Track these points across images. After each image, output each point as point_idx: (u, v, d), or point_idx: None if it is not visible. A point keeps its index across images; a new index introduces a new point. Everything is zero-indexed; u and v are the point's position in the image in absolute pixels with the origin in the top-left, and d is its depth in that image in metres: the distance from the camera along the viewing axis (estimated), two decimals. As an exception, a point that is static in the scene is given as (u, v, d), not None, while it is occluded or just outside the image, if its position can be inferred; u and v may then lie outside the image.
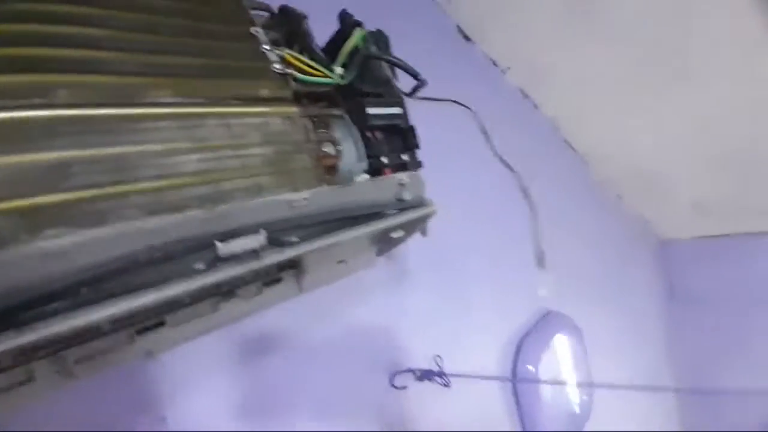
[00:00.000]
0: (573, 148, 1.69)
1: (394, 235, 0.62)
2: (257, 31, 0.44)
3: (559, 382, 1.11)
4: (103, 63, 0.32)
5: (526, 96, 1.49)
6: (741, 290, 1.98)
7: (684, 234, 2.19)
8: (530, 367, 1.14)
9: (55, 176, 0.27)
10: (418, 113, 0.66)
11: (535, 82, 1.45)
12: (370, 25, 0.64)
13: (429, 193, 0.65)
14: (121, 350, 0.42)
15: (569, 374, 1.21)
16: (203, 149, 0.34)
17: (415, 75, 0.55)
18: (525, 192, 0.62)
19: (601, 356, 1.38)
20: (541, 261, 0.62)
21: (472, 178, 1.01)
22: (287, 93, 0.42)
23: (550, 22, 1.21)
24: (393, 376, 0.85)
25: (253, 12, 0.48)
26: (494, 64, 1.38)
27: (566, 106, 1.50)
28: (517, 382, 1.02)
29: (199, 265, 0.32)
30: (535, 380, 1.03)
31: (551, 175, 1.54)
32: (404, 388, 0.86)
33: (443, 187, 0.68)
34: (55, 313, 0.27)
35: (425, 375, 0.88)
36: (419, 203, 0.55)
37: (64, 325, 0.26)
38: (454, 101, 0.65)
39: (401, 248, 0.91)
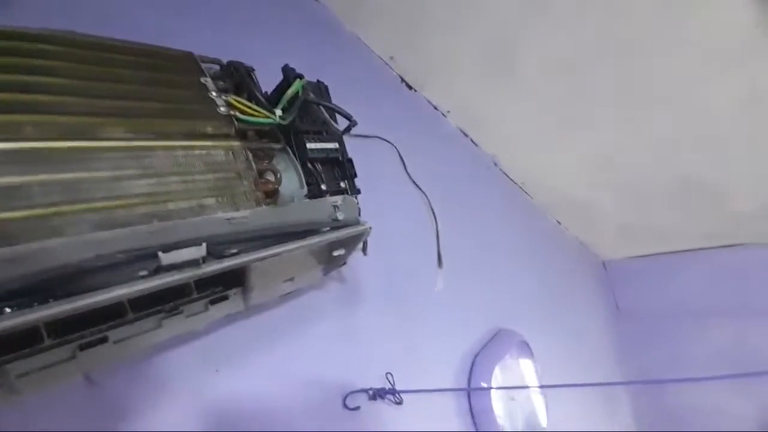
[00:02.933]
0: (512, 180, 1.89)
1: (336, 253, 0.69)
2: (206, 80, 0.53)
3: (510, 387, 1.17)
4: (64, 106, 0.39)
5: (466, 135, 1.68)
6: (676, 303, 2.19)
7: (619, 254, 2.42)
8: (483, 384, 1.20)
9: (19, 196, 0.32)
10: (357, 149, 0.76)
11: (472, 123, 1.65)
12: (327, 81, 0.76)
13: (367, 216, 0.73)
14: (63, 367, 0.44)
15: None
16: (150, 176, 0.40)
17: (347, 116, 0.65)
18: (432, 210, 0.73)
19: (552, 374, 1.47)
20: (439, 261, 0.73)
21: (403, 204, 1.12)
22: (230, 130, 0.51)
23: (476, 72, 1.43)
24: (346, 396, 0.87)
25: (205, 65, 0.57)
26: (436, 108, 1.56)
27: (501, 142, 1.71)
28: (471, 391, 1.07)
29: (143, 273, 0.37)
30: (487, 388, 1.09)
31: (495, 206, 1.71)
32: (357, 408, 0.88)
33: (382, 212, 0.78)
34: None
35: (378, 393, 0.91)
36: (353, 222, 0.63)
37: (11, 321, 0.30)
38: (378, 137, 0.76)
39: (351, 271, 0.97)
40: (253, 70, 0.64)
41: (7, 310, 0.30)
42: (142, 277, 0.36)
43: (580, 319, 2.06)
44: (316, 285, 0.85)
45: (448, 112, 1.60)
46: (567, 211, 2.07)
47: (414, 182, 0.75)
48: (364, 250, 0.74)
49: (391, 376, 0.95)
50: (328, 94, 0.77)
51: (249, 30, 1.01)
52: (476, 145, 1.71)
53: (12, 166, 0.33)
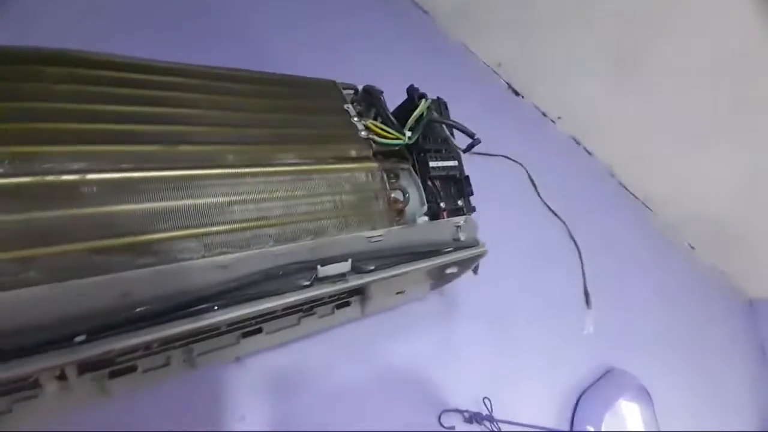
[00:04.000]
0: (632, 193, 1.65)
1: (449, 271, 0.69)
2: (348, 107, 0.58)
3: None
4: (248, 137, 0.47)
5: (578, 143, 1.52)
6: None
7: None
8: (590, 428, 1.07)
9: (221, 213, 0.40)
10: (476, 166, 0.75)
11: (586, 130, 1.49)
12: (433, 93, 0.77)
13: (482, 236, 0.72)
14: (228, 349, 0.53)
15: (636, 440, 1.11)
16: (311, 196, 0.46)
17: (470, 135, 0.65)
18: (572, 238, 0.66)
19: (676, 425, 1.24)
20: (587, 300, 0.64)
21: (523, 224, 1.05)
22: (369, 153, 0.55)
23: (597, 76, 1.29)
24: (441, 414, 0.87)
25: (344, 91, 0.62)
26: (544, 115, 1.45)
27: (621, 151, 1.51)
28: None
29: (305, 282, 0.42)
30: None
31: (611, 222, 1.51)
32: (452, 428, 0.86)
33: (495, 232, 0.75)
34: (209, 310, 0.38)
35: (474, 417, 0.88)
36: (472, 243, 0.62)
37: (219, 317, 0.37)
38: (504, 156, 0.73)
39: (452, 285, 0.96)
40: (382, 92, 0.68)
41: (215, 308, 0.37)
42: (305, 286, 0.42)
43: (715, 364, 1.70)
44: (422, 298, 0.86)
45: (559, 118, 1.47)
46: (703, 234, 1.72)
47: (545, 203, 0.71)
48: (475, 270, 0.73)
49: (489, 401, 0.91)
50: (448, 110, 0.77)
51: (357, 44, 1.06)
52: (590, 153, 1.54)
53: (216, 188, 0.41)
